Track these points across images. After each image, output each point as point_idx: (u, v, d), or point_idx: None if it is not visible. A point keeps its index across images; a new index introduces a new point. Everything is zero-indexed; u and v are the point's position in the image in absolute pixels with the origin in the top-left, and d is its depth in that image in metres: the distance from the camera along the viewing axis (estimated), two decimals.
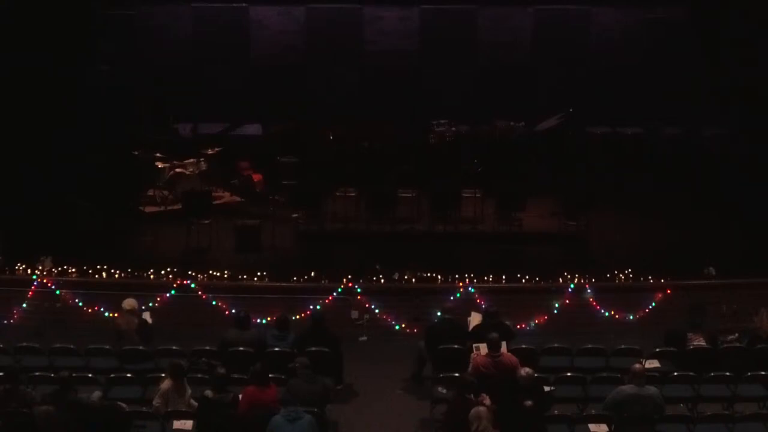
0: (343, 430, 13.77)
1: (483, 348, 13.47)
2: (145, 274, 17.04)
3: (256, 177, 20.90)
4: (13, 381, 12.46)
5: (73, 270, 17.04)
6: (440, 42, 23.84)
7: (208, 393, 12.44)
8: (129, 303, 14.64)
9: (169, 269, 17.08)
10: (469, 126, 22.35)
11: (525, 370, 12.60)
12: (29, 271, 16.98)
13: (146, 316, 14.93)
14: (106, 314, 16.42)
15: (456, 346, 14.10)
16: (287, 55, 23.92)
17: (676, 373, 13.84)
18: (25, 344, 14.44)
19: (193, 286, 16.68)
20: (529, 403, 12.09)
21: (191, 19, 23.80)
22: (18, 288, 16.76)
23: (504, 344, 13.42)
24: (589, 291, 16.84)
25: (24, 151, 20.53)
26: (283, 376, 13.24)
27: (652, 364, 14.17)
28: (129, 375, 13.52)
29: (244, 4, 23.76)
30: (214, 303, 16.55)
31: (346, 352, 14.81)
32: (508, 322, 14.65)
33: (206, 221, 18.62)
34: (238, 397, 12.51)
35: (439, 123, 22.00)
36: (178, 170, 20.24)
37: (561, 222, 19.20)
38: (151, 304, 16.16)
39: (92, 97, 22.40)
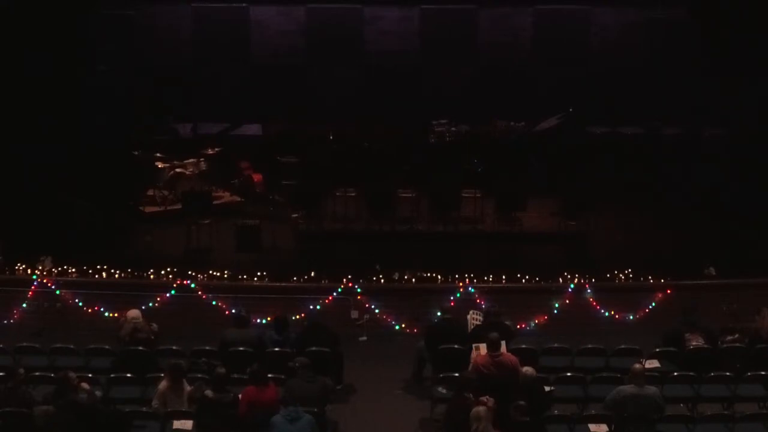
0: (343, 430, 13.77)
1: (483, 348, 13.47)
2: (145, 274, 17.04)
3: (256, 177, 20.85)
4: (13, 381, 12.45)
5: (73, 270, 17.03)
6: (440, 42, 23.82)
7: (208, 393, 12.44)
8: (132, 314, 14.46)
9: (169, 269, 17.08)
10: (469, 126, 22.31)
11: (527, 369, 12.64)
12: (29, 271, 16.97)
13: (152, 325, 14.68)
14: (106, 314, 16.44)
15: (456, 346, 14.11)
16: (287, 55, 23.91)
17: (676, 373, 13.85)
18: (25, 344, 14.45)
19: (193, 286, 16.67)
20: (521, 403, 12.09)
21: (191, 19, 23.77)
22: (18, 288, 16.75)
23: (504, 344, 13.41)
24: (589, 291, 16.83)
25: (24, 150, 20.52)
26: (282, 376, 13.24)
27: (652, 364, 14.17)
28: (129, 375, 13.51)
29: (244, 4, 23.74)
30: (214, 303, 16.55)
31: (346, 352, 14.81)
32: (508, 322, 14.66)
33: (206, 221, 18.60)
34: (238, 397, 12.52)
35: (439, 123, 21.97)
36: (178, 170, 20.21)
37: (561, 222, 19.20)
38: (151, 304, 16.18)
39: (92, 97, 22.38)
